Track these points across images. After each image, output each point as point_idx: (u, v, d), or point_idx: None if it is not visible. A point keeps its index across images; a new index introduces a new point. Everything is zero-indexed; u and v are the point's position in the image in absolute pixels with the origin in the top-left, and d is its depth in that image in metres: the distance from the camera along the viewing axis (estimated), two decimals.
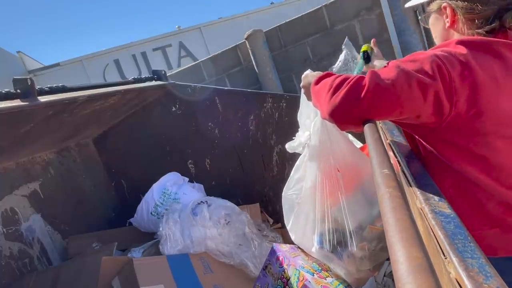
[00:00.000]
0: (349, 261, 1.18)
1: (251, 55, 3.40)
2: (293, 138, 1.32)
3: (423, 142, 0.92)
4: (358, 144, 1.42)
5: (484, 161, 0.84)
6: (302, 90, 1.15)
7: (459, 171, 0.86)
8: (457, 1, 0.88)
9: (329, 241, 1.19)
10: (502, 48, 0.82)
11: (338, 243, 1.19)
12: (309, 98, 1.10)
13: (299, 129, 1.30)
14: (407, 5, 1.06)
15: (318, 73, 1.04)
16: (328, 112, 0.83)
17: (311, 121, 1.24)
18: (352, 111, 0.79)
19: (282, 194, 1.36)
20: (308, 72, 1.13)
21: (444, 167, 0.88)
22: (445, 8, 0.91)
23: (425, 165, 0.91)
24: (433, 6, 0.96)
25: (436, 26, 0.98)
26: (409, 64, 0.79)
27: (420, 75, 0.75)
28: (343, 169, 1.16)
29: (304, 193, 1.25)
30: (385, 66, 0.85)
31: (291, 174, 1.34)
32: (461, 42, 0.83)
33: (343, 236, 1.18)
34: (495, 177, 0.84)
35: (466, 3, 0.86)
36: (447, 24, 0.92)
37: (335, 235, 1.19)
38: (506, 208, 0.85)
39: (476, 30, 0.87)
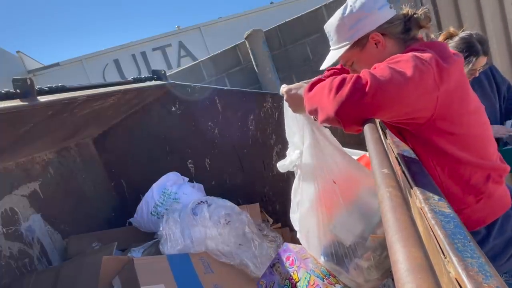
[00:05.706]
0: (356, 273, 1.15)
1: (250, 55, 3.40)
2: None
3: (413, 137, 0.99)
4: (353, 155, 1.40)
5: (464, 139, 0.97)
6: (286, 104, 1.14)
7: (447, 155, 0.97)
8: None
9: (334, 254, 1.17)
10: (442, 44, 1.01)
11: (343, 256, 1.16)
12: (297, 110, 1.09)
13: (288, 148, 1.27)
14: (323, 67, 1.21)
15: (302, 84, 1.05)
16: (334, 110, 0.83)
17: (299, 139, 1.21)
18: (358, 107, 0.81)
19: (290, 215, 1.34)
20: (288, 85, 1.11)
21: (433, 156, 0.98)
22: (372, 37, 1.05)
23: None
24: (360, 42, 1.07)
25: (368, 54, 1.08)
26: (396, 64, 0.84)
27: (410, 71, 0.82)
28: (339, 180, 1.14)
29: (305, 211, 1.22)
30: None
31: (291, 198, 1.31)
32: (420, 45, 0.98)
33: (347, 248, 1.15)
34: (473, 152, 0.98)
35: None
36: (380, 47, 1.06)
37: (339, 248, 1.16)
38: (486, 177, 1.00)
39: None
